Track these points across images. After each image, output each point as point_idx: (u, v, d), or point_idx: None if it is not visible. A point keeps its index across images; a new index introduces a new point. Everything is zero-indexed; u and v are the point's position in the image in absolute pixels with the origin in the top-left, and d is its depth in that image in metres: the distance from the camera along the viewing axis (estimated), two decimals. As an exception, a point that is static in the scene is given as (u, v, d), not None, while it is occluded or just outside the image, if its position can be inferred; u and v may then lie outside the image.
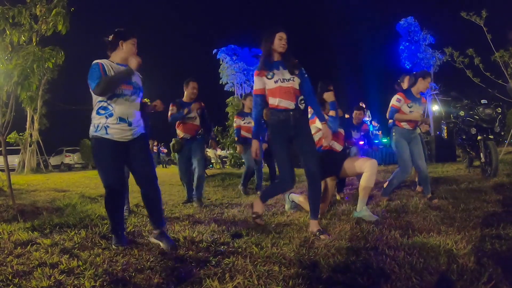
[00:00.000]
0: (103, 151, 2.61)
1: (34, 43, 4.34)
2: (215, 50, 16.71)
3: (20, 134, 16.90)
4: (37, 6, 4.27)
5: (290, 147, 2.99)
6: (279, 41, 2.90)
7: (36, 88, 4.63)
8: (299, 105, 2.95)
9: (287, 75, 2.92)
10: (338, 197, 4.91)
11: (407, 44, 17.88)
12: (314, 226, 2.86)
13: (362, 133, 5.95)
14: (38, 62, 4.22)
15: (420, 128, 4.46)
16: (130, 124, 2.64)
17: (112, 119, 2.59)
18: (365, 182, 3.37)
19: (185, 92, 4.93)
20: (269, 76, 2.93)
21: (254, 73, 2.99)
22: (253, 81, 3.21)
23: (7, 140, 5.27)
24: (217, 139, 15.20)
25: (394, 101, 4.24)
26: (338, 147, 3.73)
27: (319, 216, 3.01)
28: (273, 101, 2.95)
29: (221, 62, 16.78)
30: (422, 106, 4.32)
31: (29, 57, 4.18)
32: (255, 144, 3.04)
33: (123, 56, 2.69)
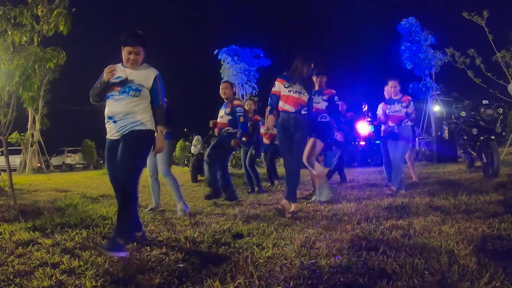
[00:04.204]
0: (106, 150, 2.80)
1: (36, 44, 4.35)
2: (217, 50, 16.68)
3: (22, 134, 16.96)
4: (39, 6, 4.27)
5: (292, 140, 3.79)
6: (304, 69, 3.78)
7: (37, 89, 4.63)
8: (301, 111, 3.80)
9: (300, 89, 3.79)
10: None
11: (409, 44, 17.86)
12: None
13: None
14: (39, 62, 4.22)
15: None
16: (114, 122, 2.68)
17: (106, 119, 2.74)
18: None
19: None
20: (286, 86, 3.81)
21: (277, 79, 3.88)
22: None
23: (8, 140, 5.27)
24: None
25: None
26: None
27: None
28: (281, 105, 3.83)
29: (222, 63, 16.75)
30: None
31: (30, 58, 4.19)
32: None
33: (123, 60, 2.72)
